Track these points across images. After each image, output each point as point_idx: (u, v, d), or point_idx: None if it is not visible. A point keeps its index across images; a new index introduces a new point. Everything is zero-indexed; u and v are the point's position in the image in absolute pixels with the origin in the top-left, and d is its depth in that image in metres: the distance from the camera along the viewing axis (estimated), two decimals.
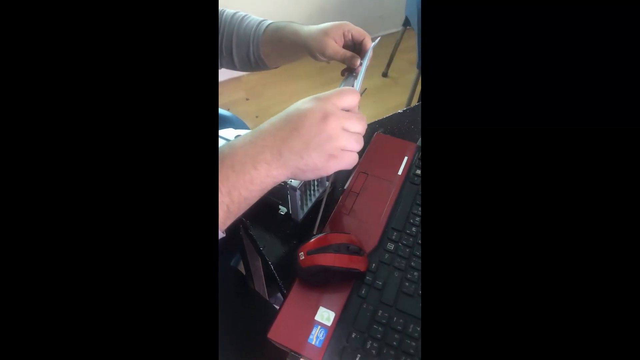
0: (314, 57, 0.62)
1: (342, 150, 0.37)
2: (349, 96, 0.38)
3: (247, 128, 0.92)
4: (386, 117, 0.68)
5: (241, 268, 0.81)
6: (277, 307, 0.43)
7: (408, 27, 1.66)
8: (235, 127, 0.89)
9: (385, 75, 1.90)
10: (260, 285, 0.77)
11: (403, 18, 1.68)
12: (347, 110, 0.38)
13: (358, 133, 0.38)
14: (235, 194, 0.35)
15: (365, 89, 0.55)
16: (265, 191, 0.37)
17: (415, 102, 1.55)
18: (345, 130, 0.37)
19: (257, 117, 1.70)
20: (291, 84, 1.80)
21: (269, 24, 0.65)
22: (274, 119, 0.38)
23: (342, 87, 0.40)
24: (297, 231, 0.50)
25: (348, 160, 0.38)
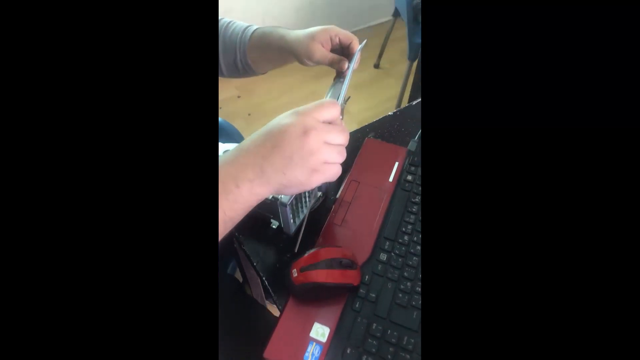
0: (302, 62, 0.61)
1: (325, 163, 0.37)
2: (329, 109, 0.38)
3: (238, 132, 0.91)
4: (377, 121, 0.67)
5: (238, 275, 0.81)
6: (274, 312, 0.43)
7: (398, 17, 1.64)
8: (226, 133, 0.88)
9: (377, 66, 1.88)
10: (257, 291, 0.77)
11: (392, 7, 1.66)
12: (329, 122, 0.38)
13: (340, 145, 0.38)
14: (220, 215, 0.34)
15: (349, 97, 0.54)
16: (250, 209, 0.37)
17: (407, 93, 1.54)
18: (326, 143, 0.36)
19: (249, 114, 1.68)
20: (282, 79, 1.79)
21: (255, 30, 0.64)
22: (254, 135, 0.38)
23: (322, 100, 0.40)
24: (289, 244, 0.50)
25: (331, 173, 0.38)
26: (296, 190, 0.38)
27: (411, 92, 1.37)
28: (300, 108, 0.38)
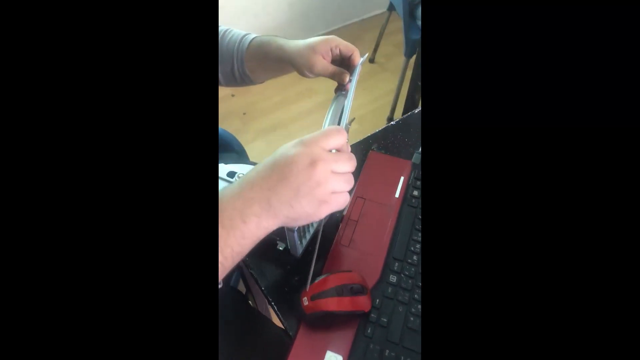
0: (302, 73, 0.60)
1: (333, 193, 0.36)
2: (335, 136, 0.37)
3: (235, 139, 0.89)
4: (379, 131, 0.66)
5: (241, 287, 0.80)
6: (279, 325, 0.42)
7: (393, 10, 1.62)
8: (223, 142, 0.87)
9: (372, 61, 1.86)
10: (261, 303, 0.77)
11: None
12: (336, 150, 0.38)
13: (348, 172, 0.37)
14: (228, 251, 0.34)
15: (354, 118, 0.53)
16: (258, 241, 0.36)
17: (405, 88, 1.52)
18: (334, 172, 0.36)
19: (244, 113, 1.66)
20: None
21: (252, 39, 0.62)
22: (260, 167, 0.37)
23: (327, 127, 0.39)
24: (297, 266, 0.50)
25: (339, 202, 0.37)
26: (304, 222, 0.37)
27: (409, 89, 1.35)
28: (306, 137, 0.37)
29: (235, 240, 0.34)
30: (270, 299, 0.47)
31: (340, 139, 0.38)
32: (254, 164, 0.81)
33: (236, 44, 0.63)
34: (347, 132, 0.47)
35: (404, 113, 1.39)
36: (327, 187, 0.35)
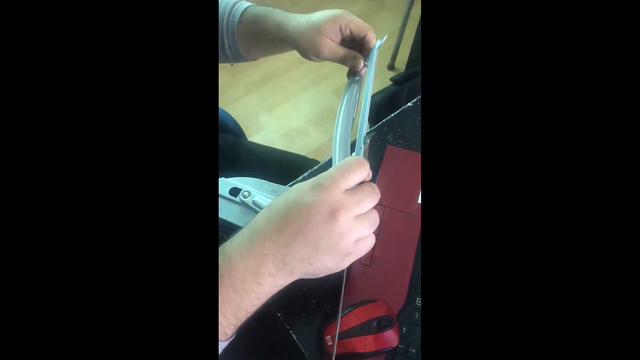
0: (306, 57, 0.51)
1: (357, 241, 0.32)
2: (356, 172, 0.32)
3: (232, 119, 0.80)
4: (395, 115, 0.58)
5: None
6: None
7: None
8: (220, 124, 0.78)
9: None
10: None
11: None
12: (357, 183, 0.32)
13: (371, 210, 0.32)
14: (242, 314, 0.31)
15: (374, 133, 0.45)
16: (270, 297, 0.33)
17: (413, 28, 1.38)
18: (357, 217, 0.31)
19: (232, 65, 1.52)
20: None
21: (244, 10, 0.52)
22: (270, 214, 0.32)
23: (345, 161, 0.32)
24: (314, 287, 0.46)
25: (363, 248, 0.32)
26: (323, 275, 0.33)
27: (416, 34, 1.21)
28: (324, 178, 0.31)
29: (249, 302, 0.30)
30: (288, 327, 0.44)
31: (362, 173, 0.32)
32: (262, 145, 0.72)
33: (225, 17, 0.52)
34: (367, 147, 0.40)
35: (408, 64, 1.27)
36: (350, 237, 0.31)
